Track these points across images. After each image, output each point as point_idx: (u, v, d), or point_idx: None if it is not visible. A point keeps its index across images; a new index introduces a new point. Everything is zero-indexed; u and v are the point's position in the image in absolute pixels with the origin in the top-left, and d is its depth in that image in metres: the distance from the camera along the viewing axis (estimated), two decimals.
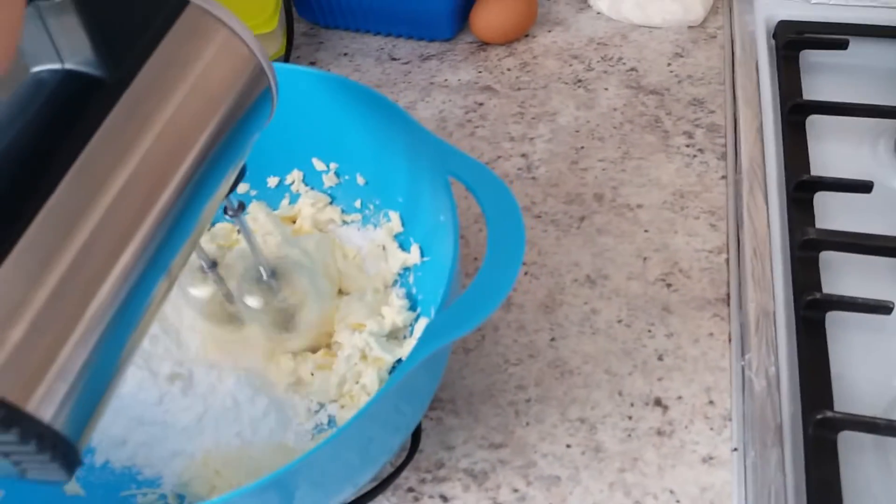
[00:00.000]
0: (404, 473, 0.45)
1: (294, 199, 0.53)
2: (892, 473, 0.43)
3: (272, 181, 0.53)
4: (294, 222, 0.52)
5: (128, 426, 0.45)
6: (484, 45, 0.72)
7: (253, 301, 0.44)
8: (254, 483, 0.33)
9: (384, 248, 0.50)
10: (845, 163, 0.59)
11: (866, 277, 0.51)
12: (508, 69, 0.69)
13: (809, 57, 0.66)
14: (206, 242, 0.52)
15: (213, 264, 0.43)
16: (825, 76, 0.65)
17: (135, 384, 0.45)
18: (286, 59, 0.68)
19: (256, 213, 0.50)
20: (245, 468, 0.42)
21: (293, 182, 0.53)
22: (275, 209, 0.54)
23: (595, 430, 0.46)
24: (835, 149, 0.60)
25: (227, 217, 0.40)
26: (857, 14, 0.68)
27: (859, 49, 0.66)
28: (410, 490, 0.44)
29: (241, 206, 0.40)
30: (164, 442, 0.44)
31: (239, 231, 0.47)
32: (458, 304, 0.34)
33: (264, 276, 0.43)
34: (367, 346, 0.45)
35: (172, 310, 0.49)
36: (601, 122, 0.63)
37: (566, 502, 0.43)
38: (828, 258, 0.52)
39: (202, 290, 0.45)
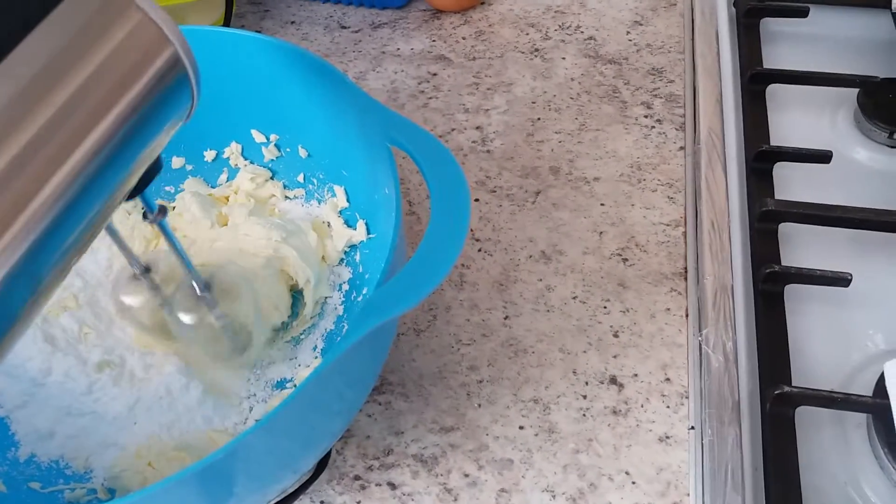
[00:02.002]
0: (350, 461, 0.43)
1: (233, 173, 0.51)
2: (850, 447, 0.42)
3: (209, 155, 0.51)
4: (227, 200, 0.50)
5: (55, 417, 0.42)
6: (438, 12, 0.69)
7: (185, 317, 0.40)
8: (180, 472, 0.31)
9: (329, 224, 0.48)
10: (805, 133, 0.57)
11: (826, 249, 0.50)
12: (463, 38, 0.67)
13: (770, 25, 0.65)
14: (141, 244, 0.49)
15: (146, 269, 0.39)
16: (786, 45, 0.64)
17: (62, 373, 0.43)
18: (226, 26, 0.65)
19: (185, 195, 0.48)
20: (179, 459, 0.40)
21: (231, 155, 0.50)
22: (213, 185, 0.51)
23: (549, 410, 0.44)
24: (795, 118, 0.58)
25: (146, 222, 0.35)
26: None
27: (820, 17, 0.64)
28: (357, 478, 0.42)
29: (163, 211, 0.35)
30: (94, 433, 0.41)
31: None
32: (398, 279, 0.32)
33: (197, 290, 0.39)
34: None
35: (105, 294, 0.47)
36: (558, 93, 0.61)
37: (518, 486, 0.42)
38: (787, 230, 0.51)
39: (134, 298, 0.41)
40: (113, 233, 0.36)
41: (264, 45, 0.44)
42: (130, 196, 0.31)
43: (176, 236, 0.37)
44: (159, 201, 0.36)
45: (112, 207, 0.29)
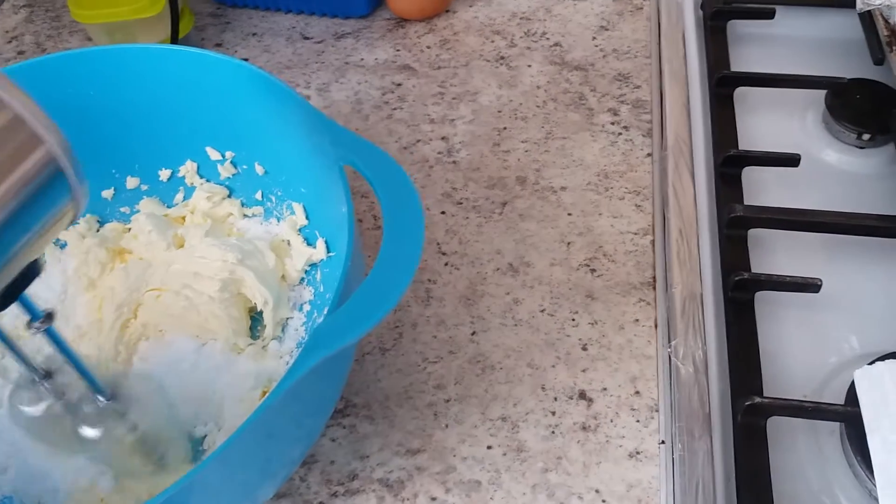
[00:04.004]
0: (314, 488, 0.42)
1: (189, 192, 0.49)
2: (823, 455, 0.42)
3: (164, 174, 0.49)
4: (184, 220, 0.48)
5: (7, 452, 0.40)
6: (402, 21, 0.68)
7: (89, 430, 0.36)
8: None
9: (289, 242, 0.47)
10: (774, 135, 0.57)
11: (796, 253, 0.50)
12: (428, 47, 0.66)
13: (737, 27, 0.64)
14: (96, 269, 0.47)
15: (47, 374, 0.35)
16: (753, 47, 0.63)
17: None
18: (174, 42, 0.63)
19: (140, 217, 0.46)
20: (133, 493, 0.39)
21: (187, 174, 0.49)
22: (169, 205, 0.50)
23: (517, 428, 0.43)
24: (764, 121, 0.58)
25: (31, 331, 0.31)
26: None
27: (786, 18, 0.64)
28: None
29: (49, 317, 0.31)
30: (46, 470, 0.40)
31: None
32: (347, 308, 0.31)
33: (100, 400, 0.35)
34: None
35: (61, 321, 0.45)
36: (524, 101, 0.60)
37: None
38: (757, 235, 0.50)
39: (35, 407, 0.36)
40: (6, 341, 0.33)
41: (212, 63, 0.43)
42: (4, 302, 0.28)
43: (68, 344, 0.33)
44: (46, 308, 0.31)
45: None
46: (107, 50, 0.46)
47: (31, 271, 0.28)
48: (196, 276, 0.44)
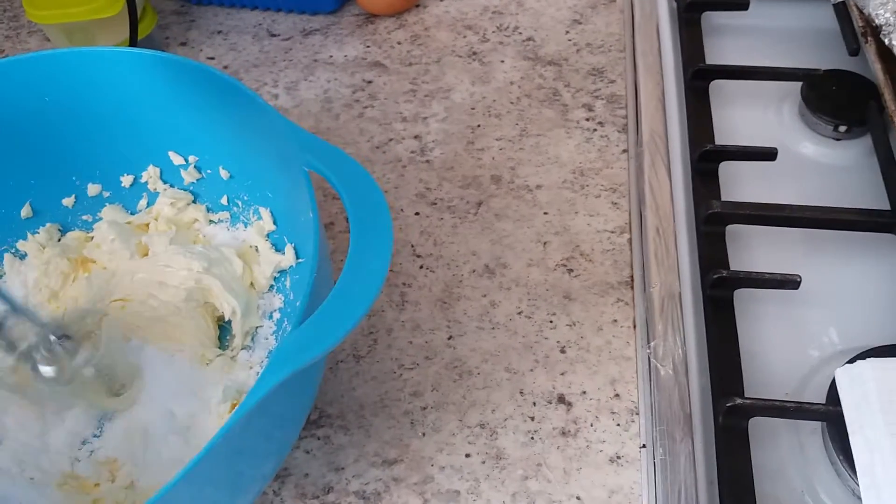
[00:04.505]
0: (288, 502, 0.40)
1: (153, 198, 0.48)
2: (806, 455, 0.41)
3: (126, 180, 0.48)
4: (148, 228, 0.47)
5: None
6: (371, 17, 0.67)
7: (48, 370, 0.37)
8: None
9: (256, 248, 0.45)
10: (751, 129, 0.56)
11: (775, 249, 0.49)
12: (398, 43, 0.64)
13: (712, 19, 0.63)
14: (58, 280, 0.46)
15: None
16: (728, 39, 0.62)
17: None
18: (132, 44, 0.61)
19: (102, 225, 0.45)
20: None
21: (150, 179, 0.47)
22: (132, 212, 0.48)
23: (496, 435, 0.42)
24: (740, 114, 0.57)
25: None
26: None
27: (761, 9, 0.63)
28: None
29: None
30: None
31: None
32: (313, 321, 0.30)
33: (52, 340, 0.37)
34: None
35: None
36: (498, 98, 0.59)
37: None
38: (735, 231, 0.49)
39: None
40: None
41: (168, 64, 0.42)
42: None
43: (13, 296, 0.35)
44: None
45: None
46: (62, 53, 0.44)
47: None
48: (161, 285, 0.43)
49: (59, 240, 0.47)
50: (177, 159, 0.47)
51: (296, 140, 0.36)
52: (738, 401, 0.41)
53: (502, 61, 0.62)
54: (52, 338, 0.37)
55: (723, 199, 0.50)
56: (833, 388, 0.41)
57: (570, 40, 0.63)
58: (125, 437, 0.40)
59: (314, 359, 0.29)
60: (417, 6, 0.67)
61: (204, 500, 0.33)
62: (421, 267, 0.50)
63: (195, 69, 0.41)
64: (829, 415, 0.40)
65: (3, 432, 0.41)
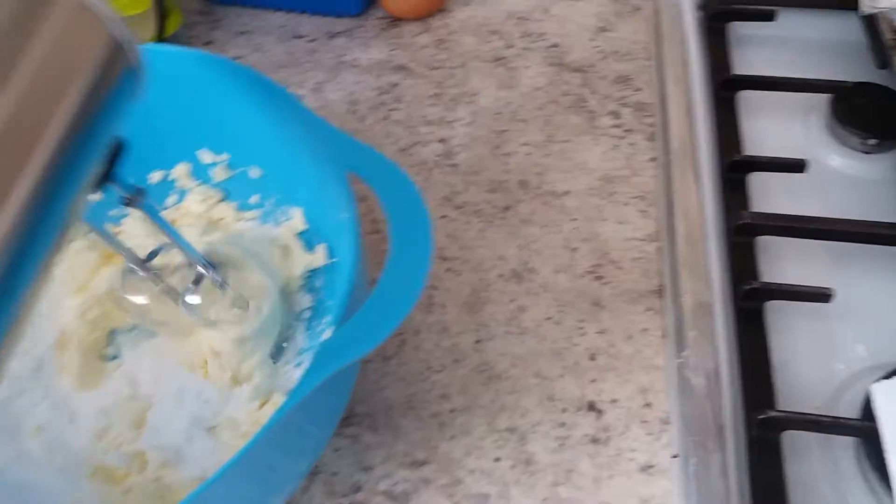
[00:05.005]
0: (317, 500, 0.40)
1: (182, 195, 0.47)
2: (839, 470, 0.41)
3: (155, 176, 0.47)
4: (175, 224, 0.47)
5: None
6: (396, 20, 0.66)
7: (194, 298, 0.38)
8: None
9: (287, 248, 0.45)
10: (779, 140, 0.56)
11: (805, 261, 0.49)
12: (424, 46, 0.64)
13: (738, 29, 0.63)
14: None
15: (147, 259, 0.38)
16: (755, 49, 0.62)
17: None
18: (159, 40, 0.61)
19: (134, 227, 0.45)
20: None
21: (179, 177, 0.47)
22: (161, 208, 0.48)
23: (525, 440, 0.42)
24: (768, 125, 0.57)
25: (126, 209, 0.34)
26: None
27: (788, 20, 0.63)
28: None
29: (140, 192, 0.33)
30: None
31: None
32: (357, 320, 0.30)
33: (203, 272, 0.38)
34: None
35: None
36: (524, 103, 0.59)
37: None
38: (765, 242, 0.49)
39: (140, 296, 0.40)
40: (102, 231, 0.35)
41: (207, 63, 0.42)
42: (100, 183, 0.30)
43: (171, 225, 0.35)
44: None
45: (83, 194, 0.28)
46: None
47: (119, 149, 0.31)
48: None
49: (87, 233, 0.47)
50: (208, 157, 0.46)
51: (335, 142, 0.35)
52: (772, 413, 0.41)
53: (528, 67, 0.62)
54: (202, 268, 0.37)
55: (751, 209, 0.50)
56: (868, 404, 0.40)
57: (595, 47, 0.63)
58: (153, 430, 0.40)
59: (359, 356, 0.29)
60: (441, 11, 0.67)
61: (239, 497, 0.33)
62: (448, 270, 0.50)
63: (232, 68, 0.41)
64: (864, 430, 0.40)
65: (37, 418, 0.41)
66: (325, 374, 0.29)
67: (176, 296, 0.39)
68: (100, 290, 0.45)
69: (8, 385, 0.42)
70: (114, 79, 0.29)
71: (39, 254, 0.26)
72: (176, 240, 0.35)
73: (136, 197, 0.33)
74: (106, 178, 0.30)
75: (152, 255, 0.38)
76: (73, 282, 0.45)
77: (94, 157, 0.29)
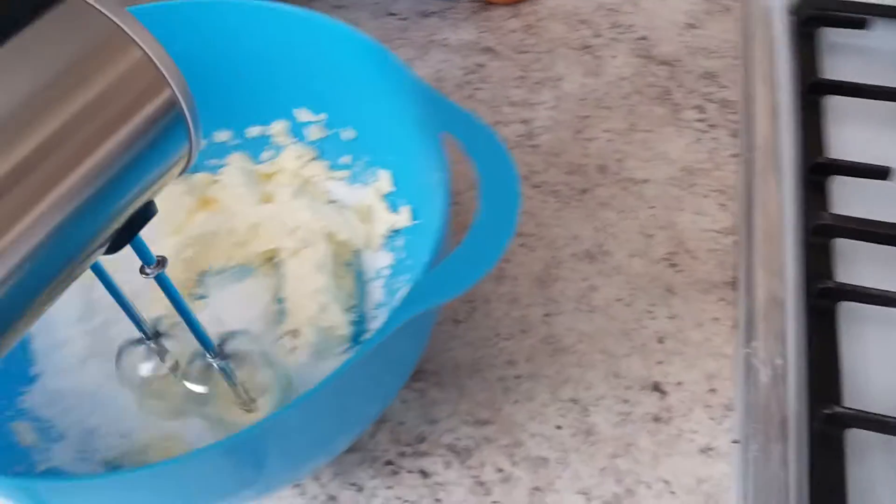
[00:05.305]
0: (383, 446, 0.42)
1: (278, 151, 0.50)
2: None
3: (254, 131, 0.50)
4: (271, 178, 0.49)
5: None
6: (487, 4, 0.68)
7: (197, 387, 0.36)
8: (217, 442, 0.30)
9: (372, 208, 0.47)
10: (862, 147, 0.55)
11: (880, 268, 0.48)
12: (512, 31, 0.66)
13: (829, 35, 0.63)
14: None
15: (156, 334, 0.36)
16: (845, 56, 0.62)
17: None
18: None
19: (231, 169, 0.47)
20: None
21: (277, 133, 0.49)
22: (256, 161, 0.50)
23: (588, 412, 0.43)
24: (852, 132, 0.57)
25: (143, 276, 0.31)
26: None
27: (882, 30, 0.62)
28: (389, 463, 0.41)
29: (162, 263, 0.31)
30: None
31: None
32: (444, 267, 0.31)
33: (207, 357, 0.35)
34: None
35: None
36: (608, 91, 0.60)
37: (553, 486, 0.40)
38: (841, 245, 0.49)
39: (143, 367, 0.37)
40: (117, 295, 0.33)
41: (317, 24, 0.43)
42: (117, 246, 0.28)
43: (180, 294, 0.33)
44: (158, 255, 0.31)
45: (91, 256, 0.26)
46: (207, 3, 0.47)
47: (146, 213, 0.28)
48: (291, 232, 0.45)
49: (186, 179, 0.49)
50: (306, 116, 0.48)
51: (433, 104, 0.37)
52: (837, 409, 0.41)
53: (614, 57, 0.63)
54: (207, 354, 0.35)
55: (831, 211, 0.50)
56: None
57: (683, 43, 0.63)
58: None
59: (445, 300, 0.30)
60: None
61: (314, 429, 0.35)
62: (521, 245, 0.51)
63: (336, 28, 0.43)
64: None
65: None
66: (413, 313, 0.30)
67: (181, 377, 0.37)
68: (194, 232, 0.47)
69: (106, 311, 0.44)
70: (163, 138, 0.26)
71: (30, 294, 0.24)
72: (187, 318, 0.33)
73: (157, 267, 0.31)
74: (127, 240, 0.28)
75: (158, 332, 0.36)
76: (170, 223, 0.48)
77: (110, 208, 0.26)
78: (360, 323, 0.44)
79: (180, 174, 0.29)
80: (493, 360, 0.45)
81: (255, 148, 0.50)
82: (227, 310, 0.45)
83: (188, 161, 0.28)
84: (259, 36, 0.46)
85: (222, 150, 0.50)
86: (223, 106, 0.49)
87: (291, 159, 0.48)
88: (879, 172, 0.52)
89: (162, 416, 0.40)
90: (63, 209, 0.23)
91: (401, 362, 0.38)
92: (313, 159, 0.49)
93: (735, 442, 0.41)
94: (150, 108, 0.25)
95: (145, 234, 0.47)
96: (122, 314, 0.35)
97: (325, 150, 0.49)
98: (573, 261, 0.50)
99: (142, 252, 0.30)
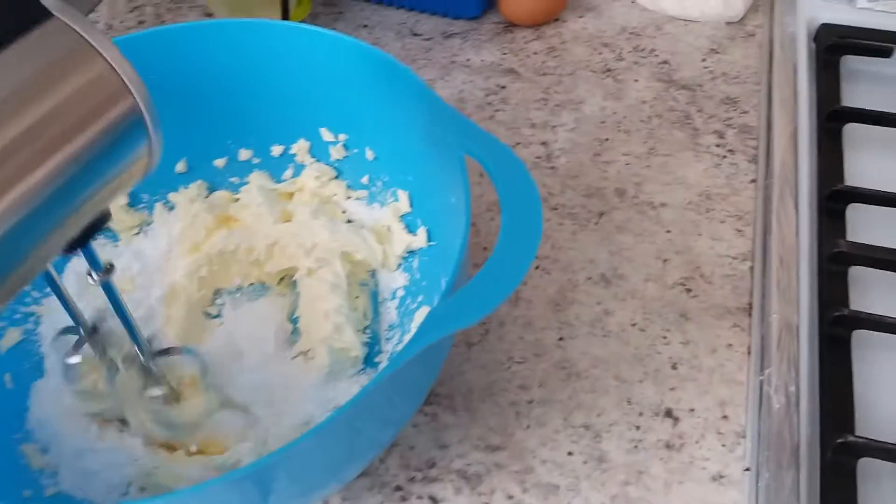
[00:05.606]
0: (393, 471, 0.42)
1: (298, 170, 0.50)
2: None
3: (276, 150, 0.50)
4: (292, 197, 0.50)
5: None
6: (511, 26, 0.69)
7: (131, 383, 0.37)
8: (230, 473, 0.30)
9: (389, 228, 0.47)
10: (881, 175, 0.55)
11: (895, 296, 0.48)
12: (535, 53, 0.66)
13: (851, 63, 0.63)
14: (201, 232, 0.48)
15: (93, 329, 0.36)
16: (866, 84, 0.62)
17: None
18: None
19: (251, 188, 0.47)
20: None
21: (298, 152, 0.50)
22: (277, 180, 0.51)
23: (600, 438, 0.43)
24: (871, 160, 0.56)
25: (91, 283, 0.32)
26: None
27: None
28: (398, 489, 0.42)
29: (109, 269, 0.32)
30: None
31: None
32: (464, 292, 0.31)
33: (141, 358, 0.36)
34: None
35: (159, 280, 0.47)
36: (628, 115, 0.60)
37: None
38: (857, 274, 0.49)
39: (73, 357, 0.37)
40: (57, 289, 0.33)
41: (341, 44, 0.44)
42: (71, 248, 0.29)
43: (122, 299, 0.34)
44: (106, 261, 0.32)
45: (47, 257, 0.28)
46: (233, 23, 0.48)
47: (100, 220, 0.29)
48: (307, 252, 0.45)
49: (207, 197, 0.50)
50: (327, 136, 0.49)
51: (455, 125, 0.37)
52: (850, 438, 0.41)
53: (636, 80, 0.63)
54: (141, 355, 0.37)
55: (848, 239, 0.50)
56: None
57: (705, 68, 0.63)
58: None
59: (464, 326, 0.31)
60: (556, 20, 0.69)
61: (326, 457, 0.35)
62: (537, 267, 0.51)
63: (365, 51, 0.43)
64: None
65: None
66: (434, 338, 0.30)
67: (110, 371, 0.38)
68: (212, 251, 0.48)
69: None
70: (123, 144, 0.28)
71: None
72: (126, 323, 0.35)
73: (104, 275, 0.32)
74: (80, 244, 0.30)
75: (95, 327, 0.36)
76: (188, 241, 0.48)
77: (72, 211, 0.27)
78: (372, 344, 0.45)
79: (142, 177, 0.30)
80: (506, 385, 0.46)
81: (277, 167, 0.51)
82: (239, 329, 0.46)
83: (147, 168, 0.30)
84: (283, 56, 0.47)
85: (244, 169, 0.51)
86: (247, 125, 0.50)
87: (311, 178, 0.49)
88: None
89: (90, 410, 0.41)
90: (29, 202, 0.25)
91: (415, 388, 0.38)
92: (333, 179, 0.50)
93: (747, 470, 0.41)
94: (111, 116, 0.27)
95: (164, 248, 0.49)
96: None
97: (344, 170, 0.50)
98: (588, 284, 0.50)
99: (92, 258, 0.31)
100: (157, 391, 0.38)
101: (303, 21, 0.66)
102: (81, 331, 0.36)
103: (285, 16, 0.64)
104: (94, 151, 0.27)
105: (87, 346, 0.37)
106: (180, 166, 0.50)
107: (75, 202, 0.27)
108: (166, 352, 0.38)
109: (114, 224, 0.49)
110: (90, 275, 0.32)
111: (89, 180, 0.27)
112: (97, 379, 0.40)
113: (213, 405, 0.41)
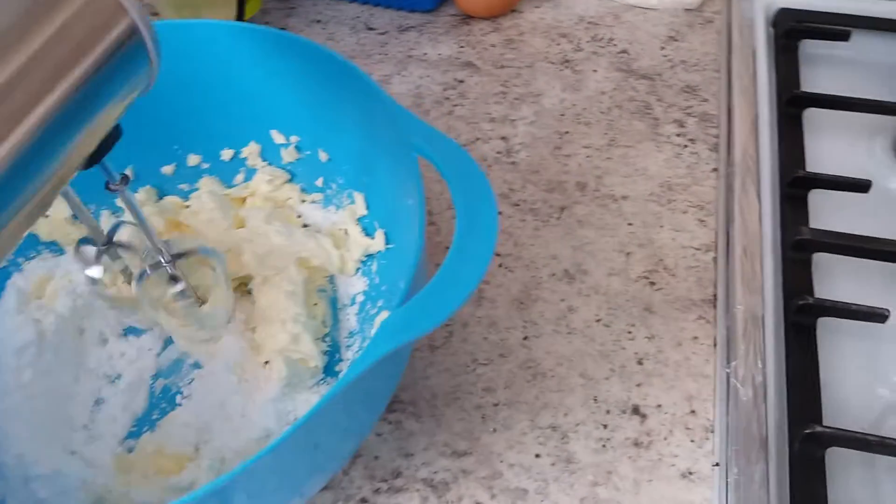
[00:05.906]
0: (357, 483, 0.41)
1: (250, 174, 0.49)
2: (880, 491, 0.40)
3: (226, 154, 0.49)
4: (244, 202, 0.48)
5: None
6: (467, 18, 0.67)
7: (153, 289, 0.39)
8: (187, 497, 0.29)
9: (346, 231, 0.46)
10: (842, 160, 0.55)
11: (860, 282, 0.48)
12: (492, 45, 0.65)
13: (809, 47, 0.63)
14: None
15: (109, 242, 0.38)
16: (825, 68, 0.62)
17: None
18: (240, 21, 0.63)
19: (202, 194, 0.46)
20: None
21: (249, 156, 0.49)
22: (228, 185, 0.49)
23: (567, 439, 0.42)
24: (831, 144, 0.56)
25: (109, 191, 0.34)
26: (860, 6, 0.64)
27: (861, 42, 0.62)
28: (363, 501, 0.40)
29: (125, 179, 0.35)
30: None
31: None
32: (419, 299, 0.30)
33: (162, 262, 0.39)
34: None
35: None
36: (588, 106, 0.59)
37: None
38: (821, 260, 0.49)
39: (100, 271, 0.40)
40: (72, 200, 0.35)
41: (287, 43, 0.43)
42: (89, 164, 0.31)
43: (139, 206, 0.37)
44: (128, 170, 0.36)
45: (67, 173, 0.29)
46: (176, 24, 0.46)
47: (114, 135, 0.31)
48: (264, 259, 0.44)
49: (157, 202, 0.49)
50: (278, 138, 0.48)
51: (407, 125, 0.36)
52: (818, 428, 0.40)
53: (595, 71, 0.62)
54: (162, 260, 0.39)
55: (811, 226, 0.50)
56: None
57: (664, 56, 0.63)
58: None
59: (420, 335, 0.30)
60: (513, 11, 0.68)
61: (286, 473, 0.34)
62: (500, 266, 0.50)
63: (313, 50, 0.42)
64: None
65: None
66: (390, 348, 0.29)
67: (129, 277, 0.40)
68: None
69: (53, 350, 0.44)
70: (125, 62, 0.29)
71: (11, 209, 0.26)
72: (145, 230, 0.37)
73: (120, 184, 0.34)
74: (96, 159, 0.31)
75: (111, 232, 0.39)
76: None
77: (87, 130, 0.29)
78: (333, 352, 0.44)
79: (141, 93, 0.32)
80: (471, 388, 0.45)
81: (227, 171, 0.49)
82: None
83: (149, 81, 0.32)
84: (228, 57, 0.45)
85: (194, 175, 0.49)
86: (194, 129, 0.48)
87: (264, 182, 0.48)
88: (860, 186, 0.52)
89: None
90: (43, 124, 0.26)
91: (376, 396, 0.37)
92: (286, 182, 0.48)
93: (716, 465, 0.41)
94: (112, 35, 0.29)
95: None
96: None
97: (297, 173, 0.49)
98: (552, 281, 0.49)
99: (108, 171, 0.33)
100: (181, 286, 0.40)
101: (253, 17, 0.64)
102: (98, 242, 0.38)
103: (240, 17, 0.62)
104: (98, 74, 0.28)
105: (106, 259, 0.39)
106: (127, 173, 0.48)
107: (88, 119, 0.29)
108: (183, 255, 0.40)
109: (59, 237, 0.47)
110: (107, 186, 0.34)
111: (98, 101, 0.29)
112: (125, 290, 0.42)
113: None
